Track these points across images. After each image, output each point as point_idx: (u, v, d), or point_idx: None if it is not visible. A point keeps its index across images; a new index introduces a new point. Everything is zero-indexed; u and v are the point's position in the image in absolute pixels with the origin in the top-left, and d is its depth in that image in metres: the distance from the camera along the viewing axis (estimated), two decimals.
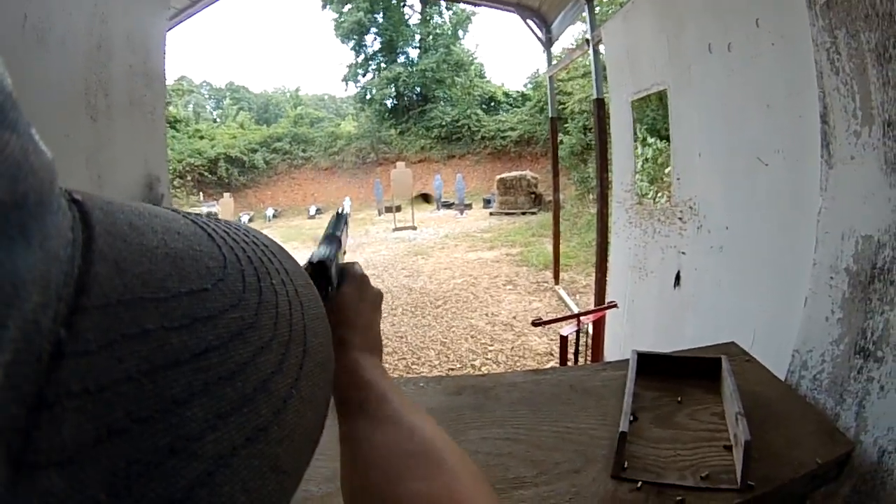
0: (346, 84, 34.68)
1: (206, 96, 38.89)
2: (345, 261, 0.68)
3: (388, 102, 29.36)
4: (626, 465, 1.20)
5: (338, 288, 0.61)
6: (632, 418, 1.38)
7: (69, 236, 0.19)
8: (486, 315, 6.67)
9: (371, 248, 12.62)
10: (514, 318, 6.36)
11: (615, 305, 3.76)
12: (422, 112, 27.81)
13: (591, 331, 3.68)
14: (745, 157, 2.22)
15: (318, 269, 0.58)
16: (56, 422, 0.16)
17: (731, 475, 1.19)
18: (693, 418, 1.43)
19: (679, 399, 1.52)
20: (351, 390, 0.51)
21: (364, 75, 30.45)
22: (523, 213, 16.13)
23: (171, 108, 26.31)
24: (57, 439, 0.16)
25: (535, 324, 3.33)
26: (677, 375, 1.64)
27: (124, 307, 0.19)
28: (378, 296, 0.65)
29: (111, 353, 0.18)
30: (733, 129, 2.32)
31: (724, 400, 1.48)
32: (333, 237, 0.66)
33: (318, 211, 21.80)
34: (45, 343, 0.17)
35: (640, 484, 1.15)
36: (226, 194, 20.95)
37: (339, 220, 0.71)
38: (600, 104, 4.85)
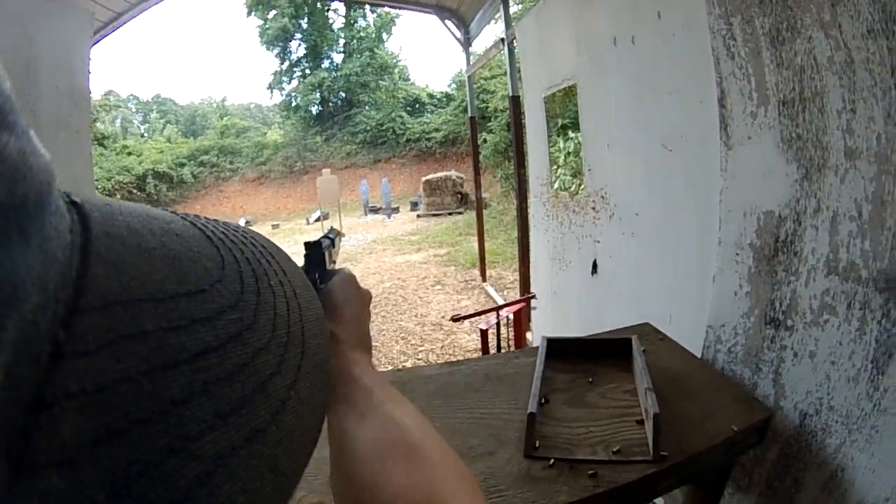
0: (272, 92, 33.50)
1: (133, 110, 37.11)
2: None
3: (314, 109, 28.80)
4: (537, 445, 1.22)
5: (327, 284, 0.63)
6: (543, 401, 1.40)
7: (68, 238, 0.19)
8: (416, 316, 6.63)
9: (300, 257, 12.31)
10: (443, 317, 6.33)
11: (533, 297, 3.80)
12: (347, 117, 27.37)
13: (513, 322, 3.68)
14: (650, 145, 2.26)
15: (313, 249, 0.62)
16: (55, 422, 0.16)
17: (643, 447, 1.22)
18: (605, 397, 1.45)
19: (591, 380, 1.54)
20: (338, 384, 0.52)
21: (289, 82, 29.78)
22: (450, 214, 16.15)
23: (97, 124, 25.18)
24: (56, 439, 0.15)
25: (455, 319, 3.35)
26: (589, 358, 1.67)
27: (123, 308, 0.19)
28: (366, 295, 0.66)
29: (110, 354, 0.18)
30: (638, 119, 2.37)
31: (634, 378, 1.51)
32: (326, 237, 0.70)
33: (248, 223, 21.03)
34: (44, 344, 0.16)
35: (552, 461, 1.17)
36: None
37: (333, 230, 0.76)
38: (516, 101, 4.90)
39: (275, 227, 18.81)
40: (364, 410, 0.49)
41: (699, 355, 1.81)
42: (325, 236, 0.71)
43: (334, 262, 0.73)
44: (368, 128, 26.29)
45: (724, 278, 1.73)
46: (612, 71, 2.54)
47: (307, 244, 0.65)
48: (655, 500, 2.22)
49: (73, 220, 0.20)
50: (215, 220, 0.30)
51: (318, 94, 28.28)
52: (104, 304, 0.18)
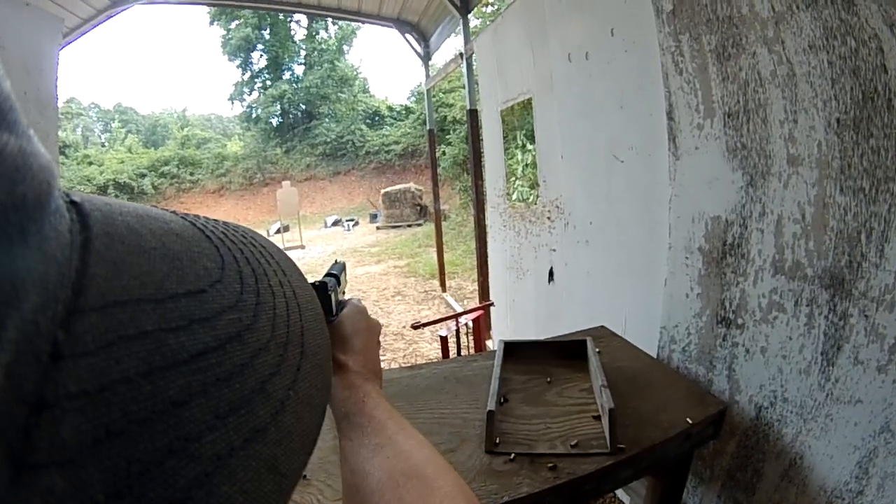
0: (233, 103, 32.85)
1: (95, 119, 35.33)
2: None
3: (274, 121, 28.13)
4: (497, 441, 1.24)
5: (338, 316, 0.64)
6: (502, 400, 1.43)
7: (67, 238, 0.19)
8: None
9: None
10: (404, 327, 6.25)
11: (492, 304, 3.80)
12: (307, 129, 26.87)
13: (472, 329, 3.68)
14: (602, 156, 2.31)
15: (318, 291, 0.58)
16: (56, 422, 0.15)
17: (601, 441, 1.25)
18: (561, 395, 1.48)
19: (548, 380, 1.57)
20: (350, 413, 0.53)
21: (250, 93, 29.10)
22: (409, 226, 16.00)
23: (60, 132, 24.00)
24: (57, 439, 0.15)
25: (415, 326, 3.32)
26: (546, 359, 1.70)
27: (122, 308, 0.19)
28: (377, 326, 0.67)
29: (109, 355, 0.17)
30: (591, 131, 2.41)
31: (590, 376, 1.54)
32: (331, 275, 0.69)
33: None
34: (44, 344, 0.16)
35: (513, 456, 1.20)
36: None
37: (337, 265, 0.75)
38: (474, 114, 4.90)
39: None
40: (379, 442, 0.50)
41: (654, 355, 1.84)
42: (329, 273, 0.70)
43: (343, 293, 0.73)
44: (328, 140, 25.90)
45: (675, 281, 1.77)
46: (567, 85, 2.59)
47: (312, 286, 0.64)
48: (618, 495, 2.26)
49: (72, 220, 0.20)
50: (215, 220, 0.29)
51: (278, 106, 27.66)
52: (104, 304, 0.18)
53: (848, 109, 1.03)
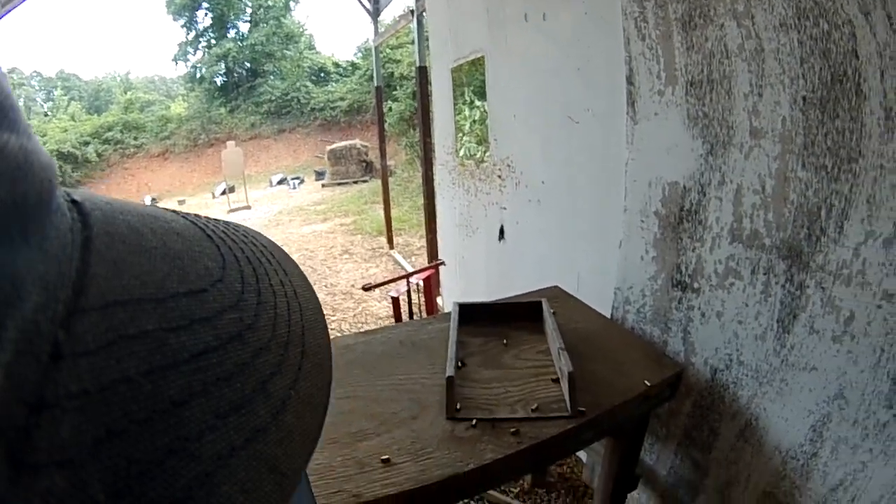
0: (177, 63, 31.50)
1: (37, 88, 33.24)
2: None
3: (218, 80, 27.10)
4: (458, 407, 1.25)
5: None
6: (460, 364, 1.43)
7: (68, 237, 0.19)
8: (326, 286, 6.44)
9: None
10: (353, 286, 6.21)
11: (442, 263, 3.82)
12: (251, 88, 26.11)
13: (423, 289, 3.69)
14: (557, 117, 2.30)
15: None
16: (56, 422, 0.15)
17: (560, 404, 1.27)
18: (519, 358, 1.50)
19: (505, 342, 1.58)
20: None
21: (194, 53, 27.86)
22: (355, 182, 15.81)
23: None
24: (57, 439, 0.15)
25: (366, 288, 3.30)
26: (502, 321, 1.70)
27: (123, 308, 0.18)
28: None
29: (110, 354, 0.17)
30: (546, 92, 2.39)
31: (547, 338, 1.56)
32: None
33: (154, 200, 19.48)
34: (44, 344, 0.16)
35: (474, 421, 1.21)
36: None
37: None
38: (423, 72, 4.84)
39: (181, 202, 17.72)
40: None
41: (608, 316, 1.89)
42: None
43: None
44: (273, 98, 25.24)
45: (630, 244, 1.80)
46: (522, 45, 2.55)
47: None
48: (578, 454, 2.35)
49: (73, 219, 0.20)
50: (216, 220, 0.29)
51: (223, 65, 26.67)
52: (104, 303, 0.18)
53: (815, 89, 1.05)
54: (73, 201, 0.21)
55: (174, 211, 0.27)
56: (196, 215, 0.28)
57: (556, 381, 1.37)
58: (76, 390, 0.16)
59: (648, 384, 1.35)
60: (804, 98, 1.07)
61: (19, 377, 0.15)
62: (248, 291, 0.24)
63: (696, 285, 1.50)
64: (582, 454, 2.29)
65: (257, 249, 0.28)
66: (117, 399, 0.17)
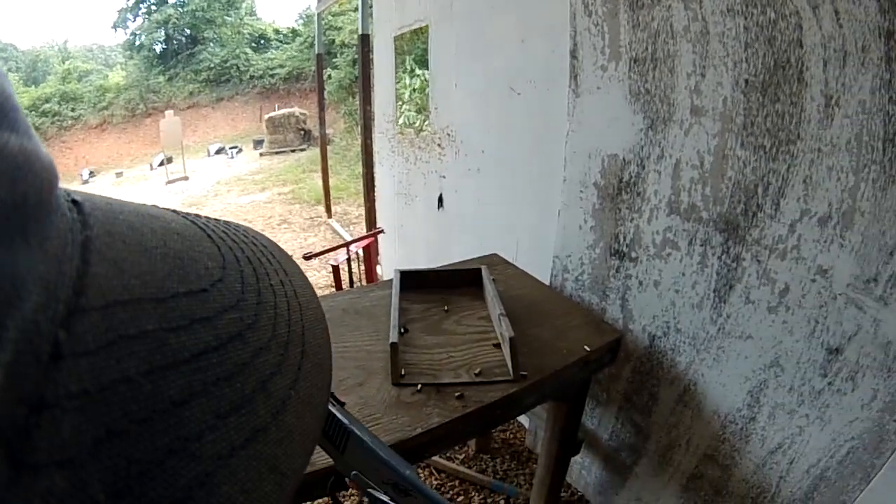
0: (116, 31, 29.43)
1: None
2: None
3: (157, 47, 25.71)
4: (403, 373, 1.26)
5: None
6: (402, 330, 1.44)
7: (68, 237, 0.19)
8: None
9: None
10: (292, 255, 6.10)
11: (381, 231, 3.78)
12: (191, 55, 24.86)
13: (363, 257, 3.67)
14: (499, 87, 2.30)
15: None
16: (56, 422, 0.15)
17: (503, 368, 1.30)
18: (460, 324, 1.52)
19: (446, 308, 1.60)
20: None
21: (134, 20, 26.19)
22: (293, 151, 15.41)
23: None
24: (57, 439, 0.15)
25: (307, 257, 3.24)
26: (442, 288, 1.72)
27: (123, 308, 0.18)
28: None
29: (110, 354, 0.17)
30: (488, 62, 2.38)
31: (487, 305, 1.58)
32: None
33: (91, 174, 18.18)
34: (44, 344, 0.16)
35: (419, 386, 1.22)
36: None
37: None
38: (365, 39, 4.70)
39: (118, 174, 16.70)
40: None
41: (547, 283, 1.94)
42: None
43: None
44: (212, 65, 24.18)
45: (569, 213, 1.85)
46: (465, 15, 2.52)
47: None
48: (520, 419, 2.43)
49: (73, 219, 0.20)
50: (216, 220, 0.29)
51: (162, 32, 25.21)
52: (105, 303, 0.18)
53: (758, 73, 1.09)
54: (74, 201, 0.21)
55: (174, 211, 0.27)
56: (196, 215, 0.28)
57: (498, 346, 1.39)
58: (76, 390, 0.16)
59: (588, 349, 1.39)
60: (746, 80, 1.11)
61: (19, 377, 0.15)
62: (249, 291, 0.24)
63: (633, 255, 1.56)
64: (524, 420, 2.37)
65: (257, 249, 0.28)
66: (117, 399, 0.16)
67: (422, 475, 2.41)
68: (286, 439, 0.22)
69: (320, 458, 1.02)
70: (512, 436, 2.53)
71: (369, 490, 0.75)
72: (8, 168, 0.16)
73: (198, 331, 0.20)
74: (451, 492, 2.27)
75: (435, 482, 2.36)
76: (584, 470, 1.98)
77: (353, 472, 0.78)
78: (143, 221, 0.22)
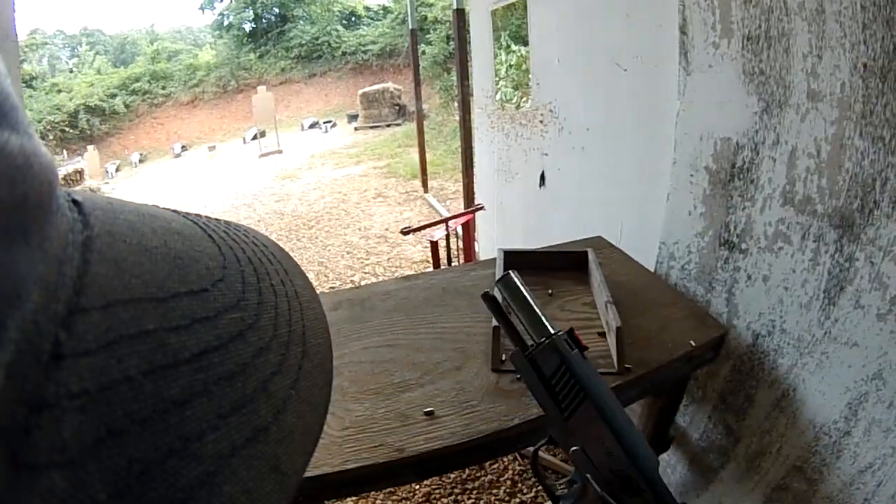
0: (203, 12, 31.86)
1: (61, 45, 33.21)
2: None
3: (247, 26, 27.23)
4: (503, 359, 1.26)
5: None
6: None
7: (69, 237, 0.19)
8: (360, 230, 6.57)
9: (239, 178, 11.95)
10: (387, 229, 6.32)
11: (482, 208, 3.85)
12: (280, 33, 25.98)
13: (461, 234, 3.74)
14: (603, 63, 2.27)
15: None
16: (56, 422, 0.16)
17: (608, 360, 1.29)
18: (564, 309, 1.52)
19: (550, 292, 1.60)
20: None
21: (221, 1, 28.05)
22: (388, 126, 15.74)
23: (24, 65, 23.47)
24: (58, 439, 0.15)
25: (405, 232, 3.34)
26: (547, 270, 1.72)
27: (124, 307, 0.19)
28: None
29: (111, 354, 0.18)
30: (592, 37, 2.35)
31: (593, 290, 1.58)
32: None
33: (184, 148, 19.97)
34: (45, 343, 0.16)
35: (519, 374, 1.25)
36: (89, 147, 18.57)
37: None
38: (460, 14, 4.74)
39: (211, 148, 18.22)
40: None
41: (652, 270, 1.92)
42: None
43: None
44: (303, 42, 25.06)
45: (678, 198, 1.81)
46: None
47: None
48: None
49: (73, 219, 0.20)
50: (216, 219, 0.30)
51: (251, 11, 26.65)
52: (105, 303, 0.18)
53: (877, 57, 1.03)
54: (74, 201, 0.21)
55: (174, 210, 0.28)
56: (196, 214, 0.29)
57: (603, 335, 1.38)
58: (77, 390, 0.16)
59: (694, 344, 1.37)
60: (865, 65, 1.06)
61: (20, 377, 0.15)
62: (249, 291, 0.25)
63: (744, 246, 1.52)
64: None
65: (258, 249, 0.29)
66: (118, 399, 0.17)
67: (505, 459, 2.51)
68: (287, 439, 0.22)
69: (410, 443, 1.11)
70: None
71: (587, 475, 0.65)
72: (8, 168, 0.16)
73: (198, 331, 0.21)
74: (530, 479, 2.36)
75: (518, 467, 2.45)
76: (668, 468, 1.97)
77: (575, 448, 0.68)
78: (143, 221, 0.23)
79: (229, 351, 0.21)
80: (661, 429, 1.65)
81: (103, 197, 0.24)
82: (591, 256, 1.67)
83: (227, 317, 0.22)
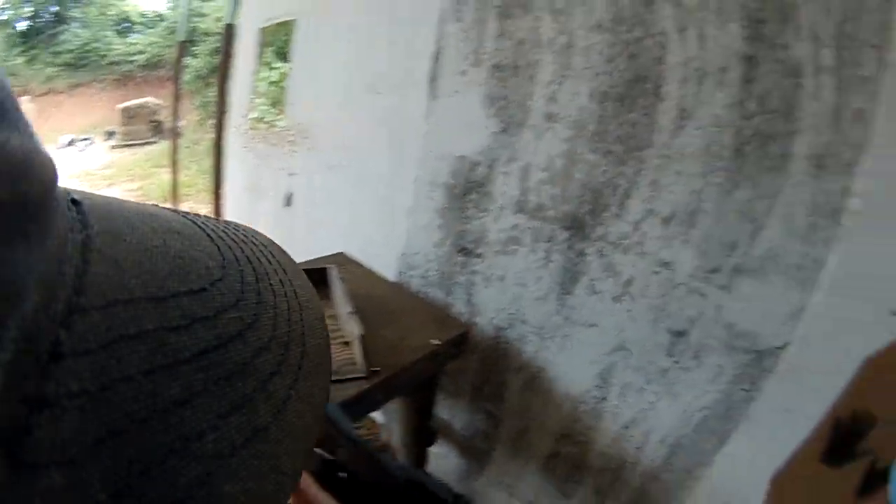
0: None
1: None
2: None
3: (21, 25, 21.01)
4: None
5: None
6: None
7: (69, 236, 0.17)
8: None
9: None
10: None
11: None
12: (53, 35, 20.55)
13: None
14: (359, 86, 2.15)
15: None
16: (57, 421, 0.14)
17: (355, 366, 1.23)
18: None
19: None
20: None
21: None
22: (144, 144, 13.64)
23: None
24: (58, 439, 0.13)
25: None
26: None
27: (124, 307, 0.16)
28: None
29: (111, 353, 0.15)
30: (353, 61, 2.22)
31: (334, 304, 1.49)
32: None
33: None
34: (45, 343, 0.14)
35: None
36: None
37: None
38: (230, 29, 4.24)
39: None
40: None
41: (394, 280, 1.83)
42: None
43: None
44: (73, 48, 20.17)
45: (417, 212, 1.76)
46: (336, 13, 2.33)
47: None
48: (373, 415, 2.25)
49: (73, 219, 0.18)
50: (216, 219, 0.25)
51: (31, 8, 20.76)
52: (105, 303, 0.16)
53: (616, 85, 1.08)
54: (73, 200, 0.19)
55: (174, 210, 0.24)
56: (196, 214, 0.25)
57: (347, 343, 1.29)
58: (77, 389, 0.14)
59: (437, 343, 1.34)
60: (605, 92, 1.10)
61: (20, 376, 0.13)
62: (249, 291, 0.21)
63: (479, 251, 1.51)
64: (377, 416, 2.22)
65: (257, 249, 0.25)
66: (118, 398, 0.15)
67: None
68: (286, 439, 0.20)
69: None
70: (368, 431, 2.38)
71: None
72: (8, 167, 0.14)
73: (198, 330, 0.18)
74: None
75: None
76: (441, 459, 1.90)
77: None
78: (142, 220, 0.20)
79: (229, 351, 0.19)
80: (423, 424, 1.58)
81: (102, 196, 0.21)
82: (332, 273, 1.56)
83: (227, 317, 0.20)
